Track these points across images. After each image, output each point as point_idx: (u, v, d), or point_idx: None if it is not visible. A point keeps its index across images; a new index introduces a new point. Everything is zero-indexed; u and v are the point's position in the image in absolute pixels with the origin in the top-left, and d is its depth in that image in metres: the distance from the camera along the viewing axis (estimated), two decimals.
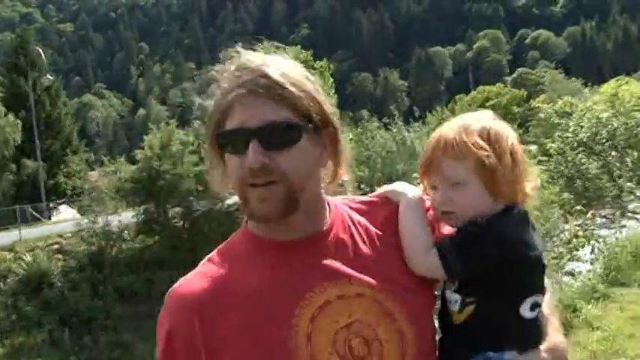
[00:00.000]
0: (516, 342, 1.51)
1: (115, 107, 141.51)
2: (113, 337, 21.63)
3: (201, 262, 1.60)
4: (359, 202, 1.67)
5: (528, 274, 1.54)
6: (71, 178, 31.96)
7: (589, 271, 8.44)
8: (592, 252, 8.95)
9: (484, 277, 1.49)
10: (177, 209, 25.84)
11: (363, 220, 1.62)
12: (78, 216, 29.33)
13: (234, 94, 1.44)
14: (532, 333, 1.54)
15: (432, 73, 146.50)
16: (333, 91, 27.99)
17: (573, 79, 58.27)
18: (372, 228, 1.60)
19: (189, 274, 1.58)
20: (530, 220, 1.56)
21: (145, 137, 27.52)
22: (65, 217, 33.82)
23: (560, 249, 8.24)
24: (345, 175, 1.61)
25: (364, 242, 1.57)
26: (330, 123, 1.53)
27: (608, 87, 17.97)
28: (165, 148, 25.82)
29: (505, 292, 1.50)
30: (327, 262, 1.51)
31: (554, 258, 8.47)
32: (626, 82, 19.30)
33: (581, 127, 15.78)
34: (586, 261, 8.86)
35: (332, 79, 29.16)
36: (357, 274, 1.50)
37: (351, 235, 1.57)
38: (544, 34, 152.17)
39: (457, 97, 49.54)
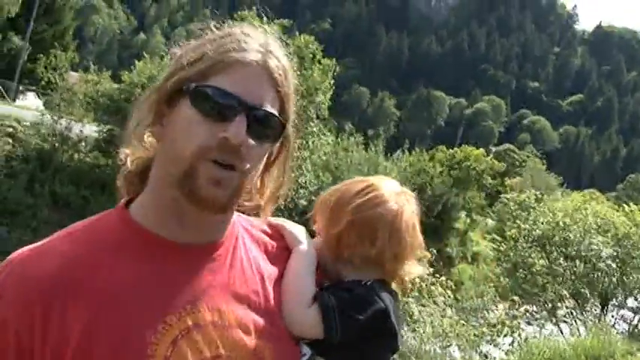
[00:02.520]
0: None
1: (118, 21, 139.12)
2: (30, 238, 21.18)
3: (58, 234, 1.35)
4: (256, 227, 1.52)
5: (388, 351, 1.50)
6: (50, 71, 31.36)
7: (502, 359, 8.60)
8: (511, 343, 9.10)
9: (347, 342, 1.42)
10: None
11: (254, 248, 1.47)
12: (42, 108, 28.77)
13: (243, 54, 1.30)
14: None
15: (426, 115, 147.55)
16: (330, 92, 27.95)
17: (553, 174, 59.26)
18: (261, 260, 1.46)
19: (41, 244, 1.32)
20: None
21: (136, 62, 27.16)
22: (30, 104, 33.17)
23: (484, 329, 8.36)
24: (261, 203, 1.46)
25: (251, 270, 1.42)
26: (288, 142, 1.42)
27: (578, 197, 18.21)
28: (152, 79, 25.50)
29: None
30: (211, 279, 1.34)
31: (475, 335, 8.61)
32: (595, 198, 19.53)
33: (542, 223, 16.03)
34: (503, 350, 9.01)
35: (333, 80, 29.09)
36: (235, 304, 1.35)
37: (241, 259, 1.42)
38: (542, 122, 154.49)
39: (440, 147, 49.95)
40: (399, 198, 1.53)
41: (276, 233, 1.54)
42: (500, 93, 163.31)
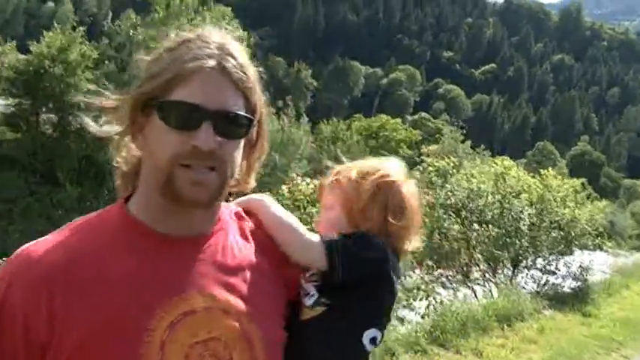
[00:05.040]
0: None
1: None
2: None
3: (64, 228, 1.44)
4: (237, 214, 1.60)
5: (386, 302, 1.60)
6: None
7: (418, 323, 8.85)
8: (427, 307, 9.38)
9: (350, 284, 1.52)
10: (52, 116, 24.66)
11: (239, 236, 1.55)
12: None
13: (198, 63, 1.34)
14: None
15: (342, 85, 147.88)
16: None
17: (468, 142, 60.29)
18: (246, 248, 1.54)
19: (48, 237, 1.41)
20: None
21: (45, 33, 26.07)
22: None
23: (400, 293, 8.57)
24: (251, 182, 1.56)
25: (238, 259, 1.50)
26: (261, 128, 1.50)
27: (501, 162, 18.46)
28: (63, 52, 24.60)
29: (361, 309, 1.54)
30: (203, 269, 1.43)
31: None
32: (515, 166, 19.88)
33: (454, 192, 16.29)
34: (419, 313, 9.27)
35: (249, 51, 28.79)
36: (225, 290, 1.44)
37: (231, 248, 1.51)
38: (456, 91, 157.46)
39: (357, 116, 50.28)
40: (408, 180, 1.68)
41: (247, 212, 1.61)
42: (415, 63, 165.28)
